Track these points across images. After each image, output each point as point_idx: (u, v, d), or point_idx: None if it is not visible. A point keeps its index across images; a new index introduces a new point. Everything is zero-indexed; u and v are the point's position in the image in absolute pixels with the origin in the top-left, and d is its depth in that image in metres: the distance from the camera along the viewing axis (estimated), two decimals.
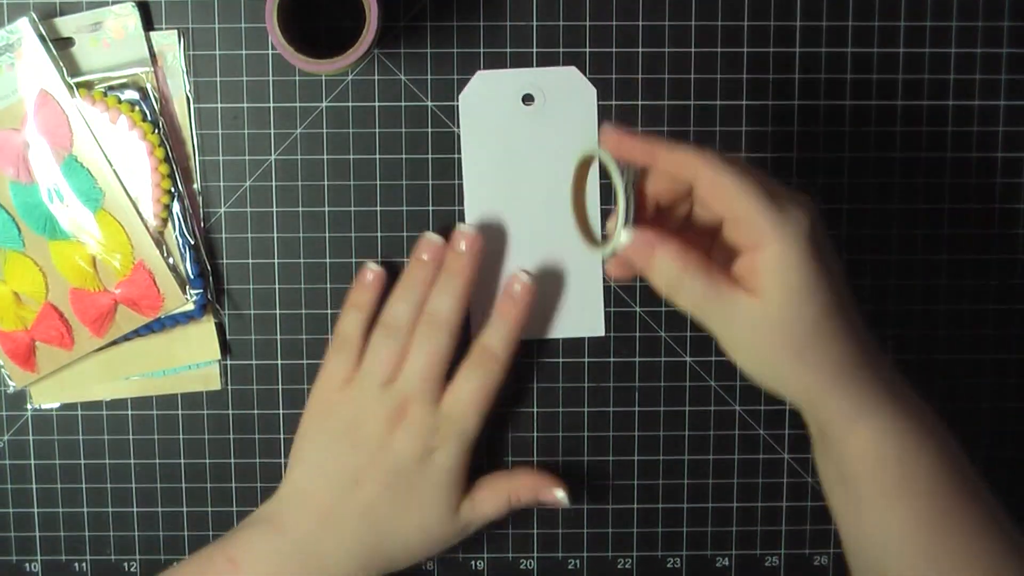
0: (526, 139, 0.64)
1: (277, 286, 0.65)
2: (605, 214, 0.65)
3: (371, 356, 0.62)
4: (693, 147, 0.52)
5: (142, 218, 0.63)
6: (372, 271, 0.63)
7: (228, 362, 0.66)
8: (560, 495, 0.63)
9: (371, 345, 0.62)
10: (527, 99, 0.64)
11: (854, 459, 0.53)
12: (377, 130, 0.64)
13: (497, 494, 0.63)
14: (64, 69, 0.62)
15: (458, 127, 0.64)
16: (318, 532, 0.60)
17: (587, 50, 0.64)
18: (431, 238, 0.63)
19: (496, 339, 0.62)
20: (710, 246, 0.55)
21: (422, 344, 0.61)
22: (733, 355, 0.54)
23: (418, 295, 0.62)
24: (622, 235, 0.52)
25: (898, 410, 0.53)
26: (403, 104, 0.64)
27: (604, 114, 0.64)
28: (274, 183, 0.65)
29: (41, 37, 0.62)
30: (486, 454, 0.66)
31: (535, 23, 0.64)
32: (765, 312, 0.51)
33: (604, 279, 0.65)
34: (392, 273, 0.64)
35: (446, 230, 0.64)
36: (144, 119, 0.62)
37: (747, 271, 0.52)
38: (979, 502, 0.54)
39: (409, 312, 0.62)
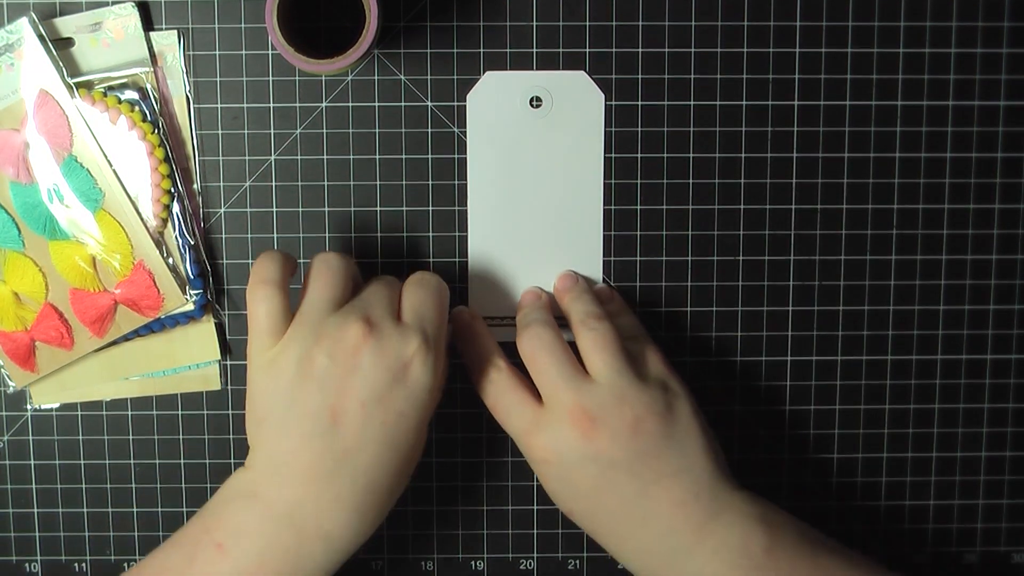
0: (532, 141, 0.64)
1: None
2: (607, 214, 0.65)
3: (313, 284, 0.57)
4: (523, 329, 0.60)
5: (142, 218, 0.63)
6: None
7: (228, 362, 0.66)
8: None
9: (310, 275, 0.58)
10: (535, 101, 0.64)
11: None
12: (377, 130, 0.64)
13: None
14: (64, 69, 0.62)
15: (460, 127, 0.64)
16: (306, 494, 0.55)
17: (587, 50, 0.64)
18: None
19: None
20: None
21: (378, 283, 0.59)
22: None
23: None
24: None
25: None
26: (403, 104, 0.64)
27: (606, 115, 0.64)
28: (274, 183, 0.65)
29: (41, 37, 0.62)
30: (486, 454, 0.66)
31: (535, 23, 0.64)
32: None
33: (606, 282, 0.65)
34: (393, 273, 0.64)
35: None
36: (144, 119, 0.62)
37: None
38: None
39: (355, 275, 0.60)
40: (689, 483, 0.57)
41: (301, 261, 0.65)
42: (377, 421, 0.55)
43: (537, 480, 0.63)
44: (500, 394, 0.60)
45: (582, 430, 0.57)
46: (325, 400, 0.55)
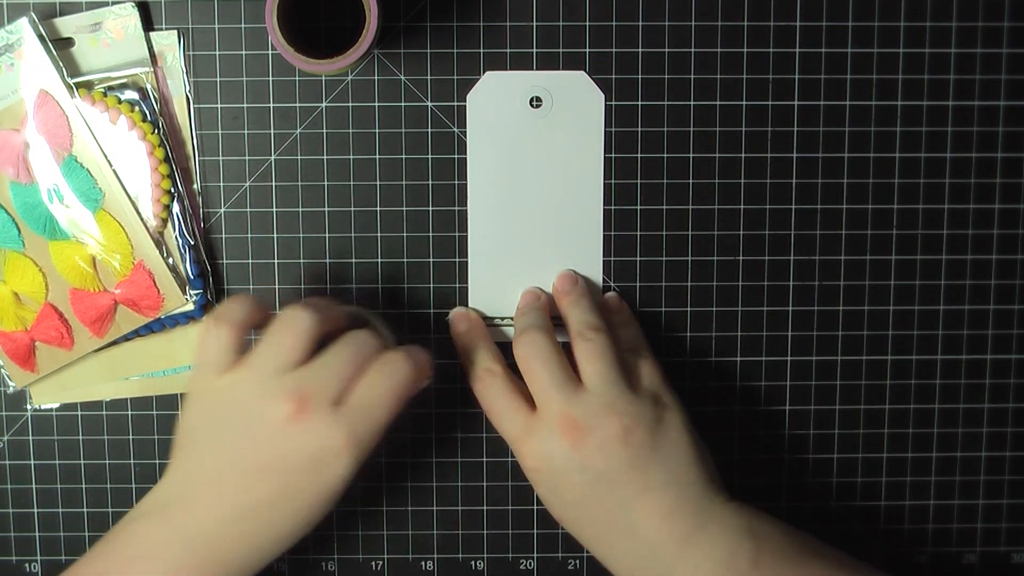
0: (532, 141, 0.64)
1: (277, 286, 0.65)
2: (607, 214, 0.65)
3: (269, 339, 0.57)
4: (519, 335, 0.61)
5: (142, 218, 0.63)
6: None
7: None
8: None
9: (271, 327, 0.57)
10: (535, 101, 0.64)
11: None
12: (377, 130, 0.64)
13: None
14: (64, 69, 0.62)
15: (460, 127, 0.64)
16: (215, 526, 0.55)
17: (587, 50, 0.64)
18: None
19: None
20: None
21: (343, 348, 0.57)
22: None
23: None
24: None
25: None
26: (403, 104, 0.64)
27: (606, 115, 0.64)
28: (274, 183, 0.65)
29: (41, 37, 0.62)
30: (486, 454, 0.66)
31: (535, 23, 0.64)
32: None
33: (606, 283, 0.65)
34: (392, 276, 0.64)
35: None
36: (144, 119, 0.62)
37: None
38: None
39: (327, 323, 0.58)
40: (675, 495, 0.57)
41: (301, 261, 0.65)
42: (289, 487, 0.55)
43: None
44: (495, 399, 0.61)
45: (571, 439, 0.57)
46: (244, 452, 0.56)
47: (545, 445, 0.58)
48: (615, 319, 0.63)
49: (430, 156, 0.65)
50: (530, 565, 0.67)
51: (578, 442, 0.57)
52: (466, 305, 0.65)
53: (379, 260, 0.65)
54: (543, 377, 0.59)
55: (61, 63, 0.62)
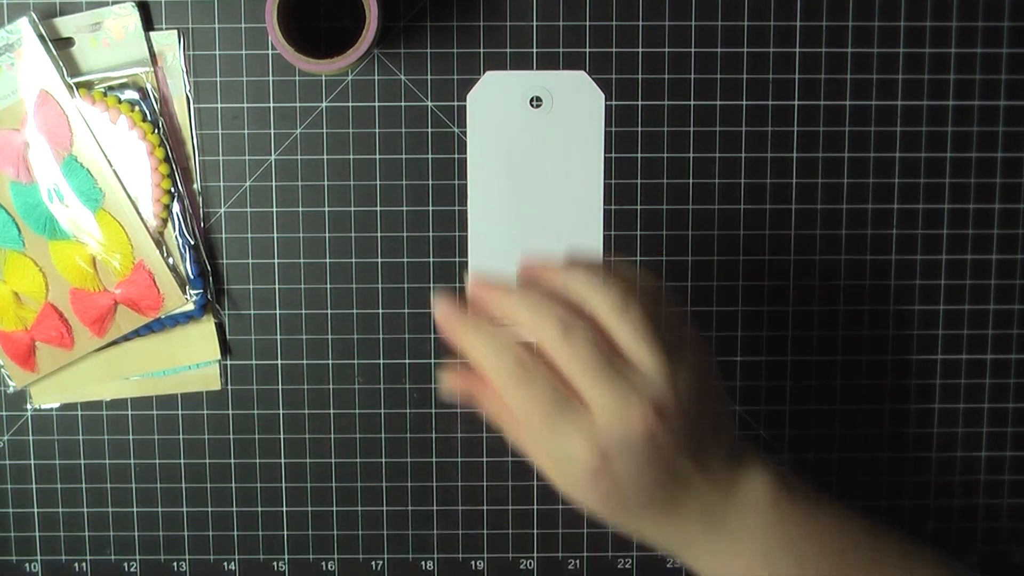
0: (532, 141, 0.64)
1: (277, 286, 0.65)
2: (607, 214, 0.65)
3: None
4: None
5: (142, 218, 0.63)
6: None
7: (228, 362, 0.66)
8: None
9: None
10: (535, 101, 0.64)
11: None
12: (377, 130, 0.64)
13: None
14: (64, 69, 0.62)
15: (460, 127, 0.64)
16: None
17: (587, 50, 0.64)
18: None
19: None
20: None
21: None
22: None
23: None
24: None
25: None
26: (403, 104, 0.64)
27: (606, 115, 0.64)
28: (274, 183, 0.65)
29: (41, 37, 0.62)
30: (486, 454, 0.66)
31: (535, 23, 0.64)
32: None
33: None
34: (392, 275, 0.64)
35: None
36: (144, 119, 0.62)
37: None
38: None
39: None
40: (721, 454, 0.54)
41: (301, 261, 0.65)
42: None
43: (537, 480, 0.63)
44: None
45: (654, 424, 0.52)
46: None
47: (606, 441, 0.52)
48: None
49: (430, 156, 0.65)
50: (530, 565, 0.67)
51: (648, 431, 0.52)
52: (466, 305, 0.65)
53: (379, 260, 0.65)
54: (589, 364, 0.52)
55: (61, 63, 0.62)
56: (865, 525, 0.57)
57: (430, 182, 0.65)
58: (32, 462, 0.66)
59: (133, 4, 0.62)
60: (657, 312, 0.54)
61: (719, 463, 0.55)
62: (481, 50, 0.64)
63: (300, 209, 0.65)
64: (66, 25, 0.63)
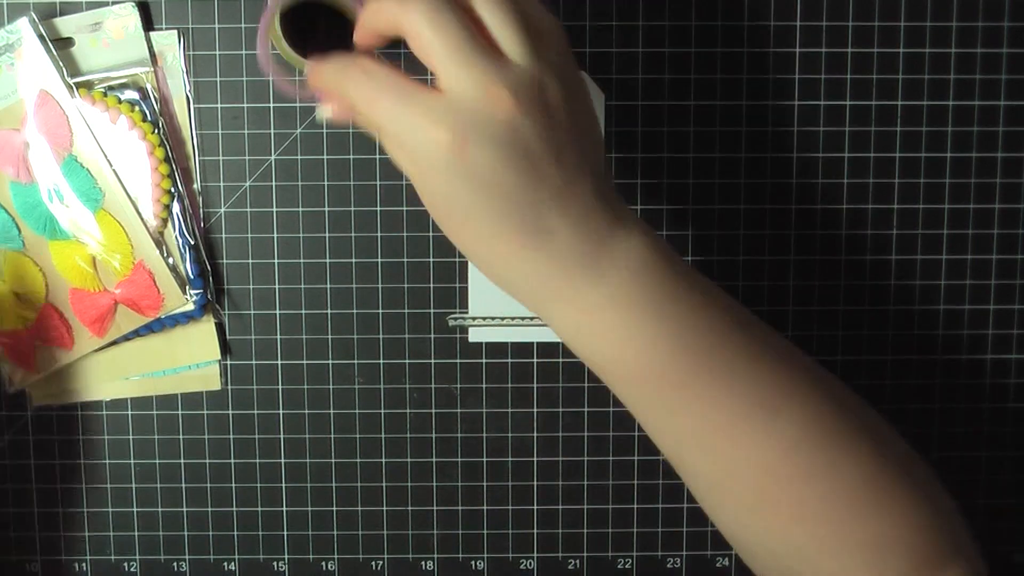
0: None
1: (277, 286, 0.65)
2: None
3: None
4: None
5: (142, 218, 0.63)
6: None
7: (228, 362, 0.66)
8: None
9: None
10: None
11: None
12: None
13: None
14: (64, 69, 0.62)
15: None
16: None
17: (587, 50, 0.64)
18: None
19: None
20: None
21: None
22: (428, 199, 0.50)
23: None
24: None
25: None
26: None
27: (606, 115, 0.64)
28: (274, 183, 0.65)
29: (41, 37, 0.62)
30: (486, 454, 0.66)
31: None
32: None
33: None
34: (392, 275, 0.64)
35: None
36: (144, 119, 0.62)
37: None
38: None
39: None
40: (594, 187, 0.50)
41: (301, 261, 0.65)
42: None
43: (537, 480, 0.63)
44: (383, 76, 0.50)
45: (503, 113, 0.48)
46: None
47: (462, 123, 0.48)
48: None
49: None
50: (530, 565, 0.67)
51: (510, 118, 0.48)
52: (466, 307, 0.65)
53: (379, 260, 0.65)
54: (453, 43, 0.48)
55: (61, 63, 0.62)
56: (744, 312, 0.53)
57: None
58: (32, 462, 0.66)
59: (133, 4, 0.63)
60: (528, 5, 0.50)
61: (591, 202, 0.50)
62: None
63: (300, 209, 0.65)
64: (66, 25, 0.63)
